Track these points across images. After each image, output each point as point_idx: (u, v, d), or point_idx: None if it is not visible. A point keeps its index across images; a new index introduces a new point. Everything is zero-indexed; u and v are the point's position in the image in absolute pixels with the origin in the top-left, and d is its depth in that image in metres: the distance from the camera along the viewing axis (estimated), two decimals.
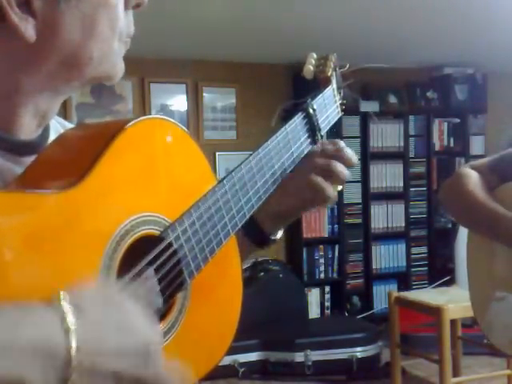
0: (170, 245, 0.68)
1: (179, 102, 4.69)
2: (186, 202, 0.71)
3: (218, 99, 4.79)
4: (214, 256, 0.74)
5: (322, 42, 4.17)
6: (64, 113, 4.20)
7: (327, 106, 1.00)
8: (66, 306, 0.52)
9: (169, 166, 0.72)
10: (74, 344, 0.50)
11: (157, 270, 0.67)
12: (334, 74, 1.03)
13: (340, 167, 0.92)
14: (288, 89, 4.91)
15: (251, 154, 0.83)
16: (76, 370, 0.50)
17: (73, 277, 0.57)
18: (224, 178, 0.77)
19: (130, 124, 0.66)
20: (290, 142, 0.90)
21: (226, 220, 0.76)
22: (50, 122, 0.76)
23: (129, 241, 0.64)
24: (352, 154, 0.94)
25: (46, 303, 0.52)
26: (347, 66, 1.07)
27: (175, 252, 0.69)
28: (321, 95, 0.99)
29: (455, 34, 4.14)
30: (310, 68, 1.01)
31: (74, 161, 0.65)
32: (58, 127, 0.80)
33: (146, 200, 0.67)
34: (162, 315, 0.70)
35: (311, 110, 0.94)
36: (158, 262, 0.67)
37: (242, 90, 4.82)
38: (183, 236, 0.69)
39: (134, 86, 4.52)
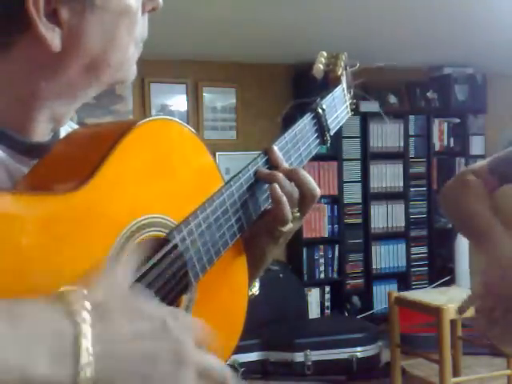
0: (175, 247, 0.68)
1: (179, 101, 4.69)
2: (192, 204, 0.70)
3: (218, 99, 4.79)
4: (219, 258, 0.73)
5: (321, 42, 4.17)
6: None
7: (337, 105, 0.98)
8: (75, 299, 0.51)
9: (176, 167, 0.71)
10: (89, 336, 0.49)
11: (162, 272, 0.67)
12: (344, 73, 1.01)
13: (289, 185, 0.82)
14: (288, 89, 4.91)
15: (259, 155, 0.81)
16: (92, 365, 0.49)
17: (78, 278, 0.57)
18: (231, 180, 0.76)
19: (138, 124, 0.66)
20: (299, 142, 0.88)
21: (232, 222, 0.75)
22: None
23: (135, 242, 0.64)
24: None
25: (51, 297, 0.51)
26: (357, 65, 1.05)
27: (181, 254, 0.68)
28: (330, 95, 0.97)
29: (455, 34, 4.14)
30: (319, 67, 0.99)
31: (80, 161, 0.65)
32: (67, 129, 0.80)
33: (152, 201, 0.67)
34: None
35: (320, 110, 0.92)
36: (164, 264, 0.67)
37: (242, 90, 4.83)
38: (189, 238, 0.69)
39: (134, 86, 4.52)
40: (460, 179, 1.57)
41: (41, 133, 0.69)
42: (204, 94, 4.73)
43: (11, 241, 0.52)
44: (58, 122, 0.71)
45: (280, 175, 0.80)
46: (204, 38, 3.98)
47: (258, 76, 4.88)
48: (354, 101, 1.05)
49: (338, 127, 0.98)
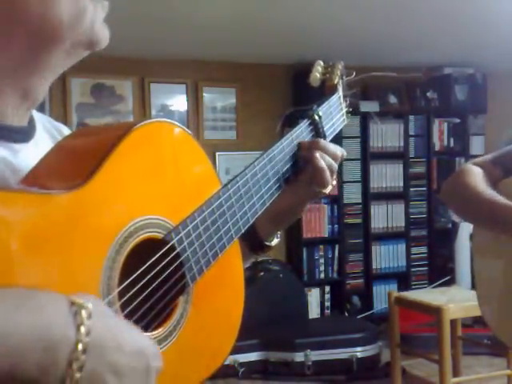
0: (172, 248, 0.68)
1: (179, 101, 4.69)
2: (190, 206, 0.71)
3: (218, 99, 4.79)
4: (216, 260, 0.74)
5: (322, 42, 4.18)
6: (64, 113, 4.19)
7: (333, 113, 1.01)
8: (81, 304, 0.52)
9: (174, 169, 0.72)
10: (84, 339, 0.50)
11: (159, 273, 0.67)
12: (340, 82, 1.03)
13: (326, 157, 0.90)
14: (288, 89, 4.91)
15: (256, 159, 0.83)
16: (80, 365, 0.49)
17: (76, 278, 0.57)
18: (228, 183, 0.77)
19: (136, 127, 0.66)
20: (295, 148, 0.90)
21: (229, 225, 0.75)
22: (35, 116, 0.75)
23: (132, 243, 0.64)
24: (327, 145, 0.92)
25: (55, 294, 0.52)
26: (353, 74, 1.08)
27: (178, 255, 0.68)
28: (327, 102, 0.99)
29: (455, 34, 4.14)
30: (316, 76, 1.01)
31: (79, 163, 0.65)
32: (46, 125, 0.79)
33: (150, 203, 0.67)
34: (164, 319, 0.69)
35: (317, 117, 0.94)
36: (161, 265, 0.67)
37: (242, 90, 4.82)
38: (186, 239, 0.69)
39: (134, 85, 4.52)
40: (460, 169, 1.56)
41: (17, 113, 0.67)
42: (204, 94, 4.73)
43: (3, 242, 0.52)
44: (33, 99, 0.69)
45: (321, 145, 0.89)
46: (204, 38, 3.98)
47: (258, 76, 4.88)
48: (350, 109, 1.07)
49: (334, 134, 1.00)
